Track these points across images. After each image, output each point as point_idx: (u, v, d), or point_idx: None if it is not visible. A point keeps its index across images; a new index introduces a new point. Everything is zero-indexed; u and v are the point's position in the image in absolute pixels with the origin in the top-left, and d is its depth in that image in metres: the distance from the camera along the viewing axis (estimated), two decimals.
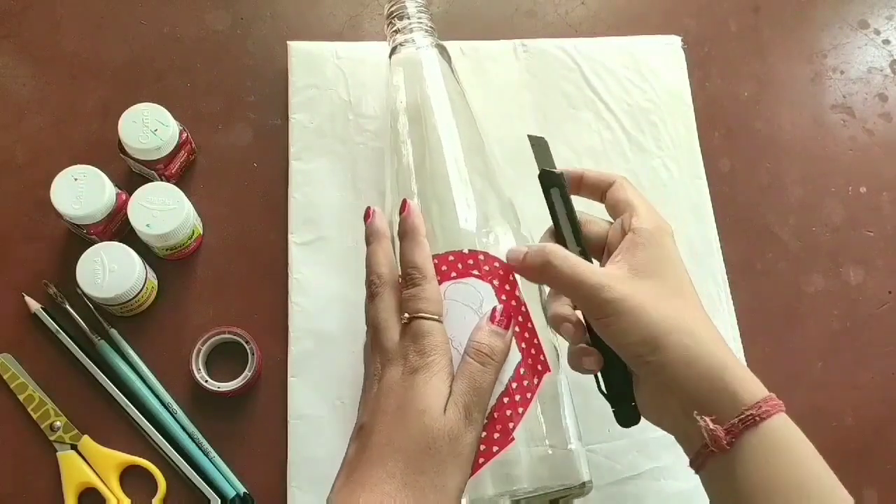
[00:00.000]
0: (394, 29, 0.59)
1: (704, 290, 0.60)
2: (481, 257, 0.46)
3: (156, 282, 0.57)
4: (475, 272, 0.46)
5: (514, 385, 0.43)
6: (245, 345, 0.55)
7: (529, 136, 0.49)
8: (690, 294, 0.44)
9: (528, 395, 0.44)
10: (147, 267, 0.55)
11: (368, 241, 0.48)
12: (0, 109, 0.62)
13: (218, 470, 0.53)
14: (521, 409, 0.43)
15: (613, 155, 0.63)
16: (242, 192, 0.61)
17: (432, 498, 0.39)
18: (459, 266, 0.46)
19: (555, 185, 0.47)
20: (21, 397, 0.54)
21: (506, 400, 0.43)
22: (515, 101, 0.65)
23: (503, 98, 0.64)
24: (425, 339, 0.42)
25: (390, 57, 0.58)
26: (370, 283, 0.46)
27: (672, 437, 0.53)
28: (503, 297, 0.45)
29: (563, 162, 0.63)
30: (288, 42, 0.64)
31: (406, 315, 0.44)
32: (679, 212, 0.62)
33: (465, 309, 0.45)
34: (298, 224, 0.59)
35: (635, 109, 0.65)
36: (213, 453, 0.54)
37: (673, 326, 0.41)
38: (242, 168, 0.61)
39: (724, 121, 0.67)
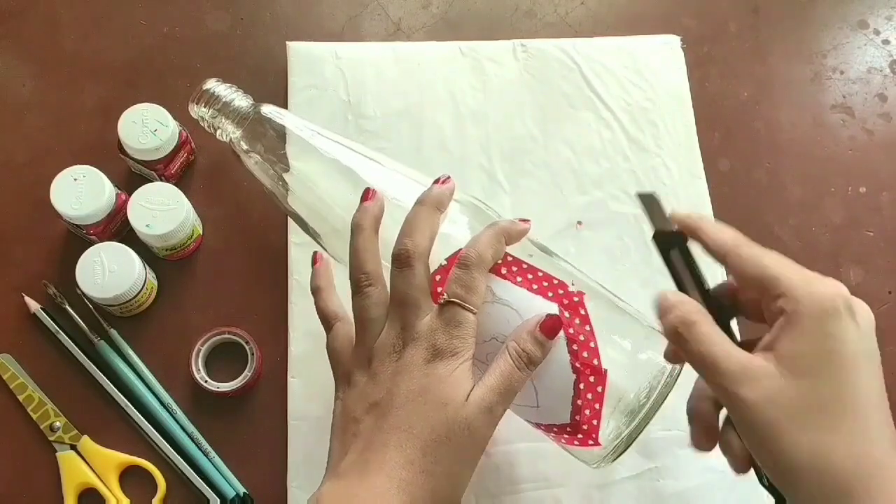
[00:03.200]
0: (218, 125, 0.55)
1: None
2: (546, 283, 0.45)
3: (156, 282, 0.57)
4: (535, 286, 0.44)
5: (570, 331, 0.43)
6: (245, 345, 0.55)
7: (639, 195, 0.43)
8: (867, 416, 0.33)
9: (588, 328, 0.43)
10: (147, 267, 0.55)
11: (423, 202, 0.44)
12: (0, 109, 0.62)
13: (218, 470, 0.53)
14: (592, 344, 0.43)
15: (613, 154, 0.63)
16: (242, 192, 0.61)
17: (446, 487, 0.39)
18: (529, 277, 0.44)
19: (674, 247, 0.41)
20: (21, 397, 0.54)
21: (575, 347, 0.43)
22: (515, 101, 0.65)
23: (503, 98, 0.64)
24: (457, 329, 0.41)
25: (238, 146, 0.55)
26: (401, 250, 0.42)
27: (671, 438, 0.53)
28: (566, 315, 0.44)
29: (563, 162, 0.63)
30: (287, 42, 0.64)
31: (445, 297, 0.41)
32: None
33: (513, 313, 0.43)
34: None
35: (635, 109, 0.65)
36: (212, 453, 0.54)
37: (816, 466, 0.32)
38: (242, 168, 0.61)
39: (724, 121, 0.67)
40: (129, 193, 0.56)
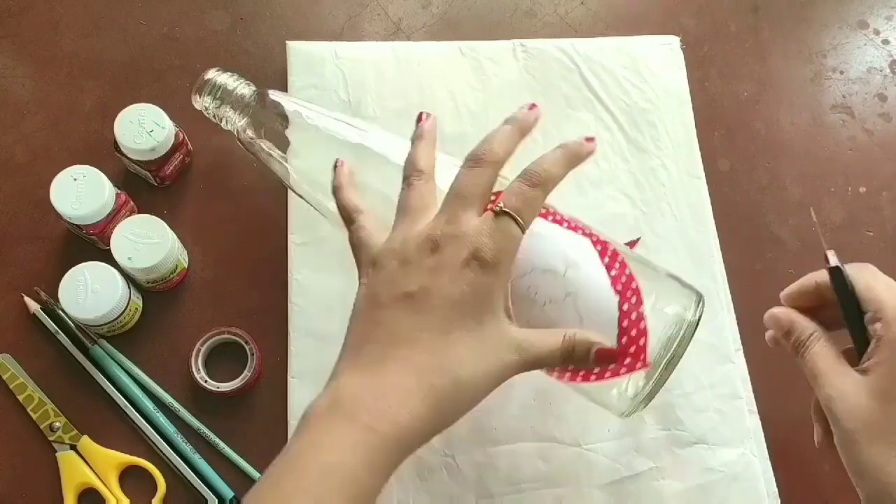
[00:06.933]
0: (223, 115, 0.55)
1: (704, 291, 0.60)
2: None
3: (140, 303, 0.56)
4: (564, 223, 0.46)
5: (606, 260, 0.45)
6: (245, 345, 0.55)
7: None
8: None
9: (620, 257, 0.45)
10: (132, 288, 0.55)
11: (509, 122, 0.45)
12: (0, 109, 0.62)
13: (217, 473, 0.53)
14: (627, 271, 0.44)
15: (612, 155, 0.63)
16: (242, 193, 0.61)
17: (469, 402, 0.39)
18: (558, 217, 0.46)
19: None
20: (20, 397, 0.54)
21: (613, 273, 0.44)
22: (514, 101, 0.64)
23: (502, 98, 0.64)
24: (503, 240, 0.39)
25: (244, 135, 0.55)
26: (479, 150, 0.43)
27: (671, 438, 0.52)
28: (606, 260, 0.45)
29: None
30: (287, 42, 0.64)
31: (503, 205, 0.40)
32: (678, 212, 0.62)
33: (550, 245, 0.45)
34: (298, 224, 0.59)
35: (634, 110, 0.65)
36: (221, 445, 0.54)
37: (880, 479, 0.37)
38: (242, 168, 0.61)
39: (724, 121, 0.67)
40: (129, 193, 0.56)
